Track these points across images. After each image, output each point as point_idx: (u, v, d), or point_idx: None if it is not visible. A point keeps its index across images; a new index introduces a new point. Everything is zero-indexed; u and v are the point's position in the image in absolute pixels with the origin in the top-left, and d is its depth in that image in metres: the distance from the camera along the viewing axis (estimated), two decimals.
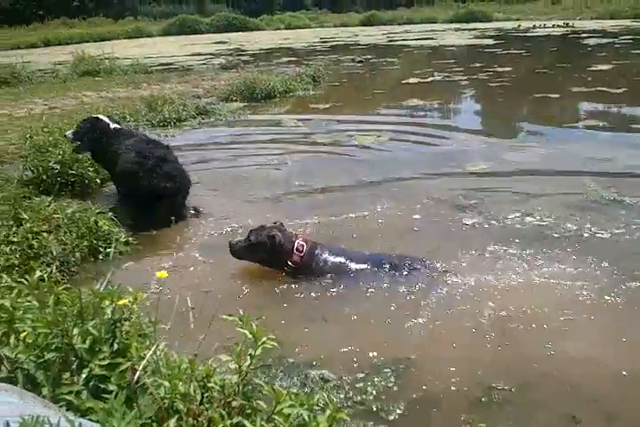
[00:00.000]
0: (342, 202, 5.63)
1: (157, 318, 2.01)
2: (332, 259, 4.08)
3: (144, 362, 1.92)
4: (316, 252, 4.09)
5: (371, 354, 3.04)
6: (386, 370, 2.90)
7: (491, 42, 24.40)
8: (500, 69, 14.88)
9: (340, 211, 5.30)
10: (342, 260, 4.09)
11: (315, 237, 4.54)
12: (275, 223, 4.20)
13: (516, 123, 8.75)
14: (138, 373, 1.86)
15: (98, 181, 6.23)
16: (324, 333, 3.33)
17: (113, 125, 5.70)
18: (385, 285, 3.83)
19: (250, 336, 1.96)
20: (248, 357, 2.01)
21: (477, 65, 16.15)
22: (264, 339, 1.94)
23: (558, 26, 32.74)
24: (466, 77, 13.76)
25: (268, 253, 4.02)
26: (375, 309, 3.56)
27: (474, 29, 33.65)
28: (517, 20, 41.68)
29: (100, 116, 5.85)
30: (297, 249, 4.01)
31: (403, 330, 3.29)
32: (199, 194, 5.78)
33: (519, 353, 3.03)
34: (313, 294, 3.76)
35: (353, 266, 4.05)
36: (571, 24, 32.60)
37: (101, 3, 60.96)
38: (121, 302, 1.96)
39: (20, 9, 58.05)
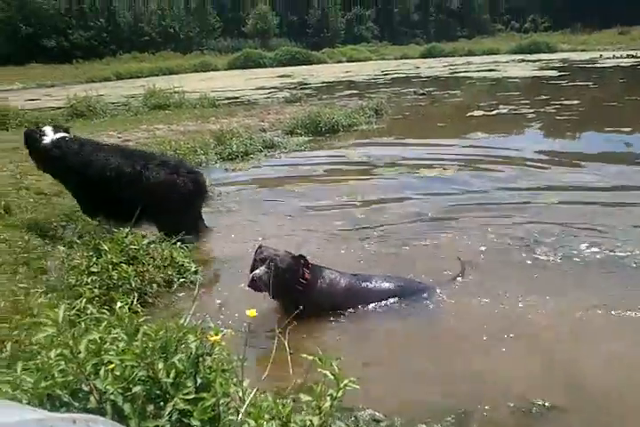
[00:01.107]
0: (406, 232, 5.64)
1: (243, 355, 2.04)
2: (332, 277, 4.11)
3: (228, 399, 1.96)
4: (315, 270, 4.08)
5: (420, 392, 3.00)
6: (445, 416, 2.85)
7: (555, 73, 24.10)
8: (567, 102, 14.63)
9: (403, 241, 5.35)
10: (345, 280, 4.13)
11: (376, 266, 4.63)
12: (259, 247, 4.00)
13: (586, 157, 8.53)
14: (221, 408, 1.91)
15: None
16: (368, 372, 3.28)
17: None
18: (411, 314, 3.83)
19: (331, 377, 1.97)
20: (328, 397, 2.03)
21: (543, 97, 15.96)
22: (346, 381, 1.95)
23: (627, 56, 32.02)
24: (532, 110, 13.59)
25: (289, 277, 3.86)
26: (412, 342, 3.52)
27: (538, 61, 33.35)
28: (583, 50, 41.03)
29: None
30: (304, 265, 3.99)
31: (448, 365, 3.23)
32: (265, 224, 5.91)
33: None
34: (351, 336, 3.74)
35: (357, 286, 4.12)
36: None
37: (170, 38, 63.76)
38: (213, 339, 2.00)
39: (95, 44, 61.40)
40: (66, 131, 5.91)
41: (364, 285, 4.18)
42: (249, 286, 3.80)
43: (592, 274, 4.45)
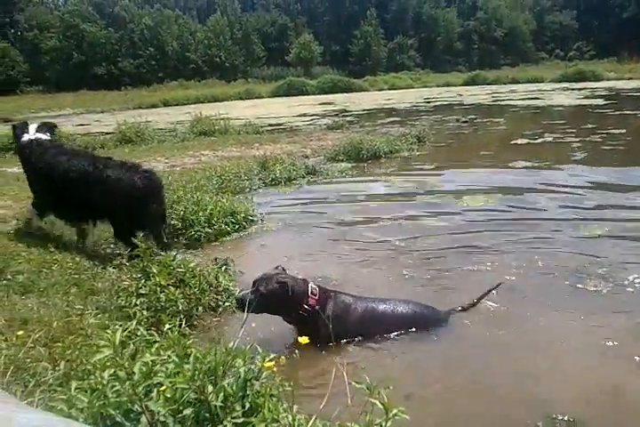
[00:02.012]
0: (445, 260, 5.64)
1: (293, 382, 2.06)
2: (346, 302, 4.04)
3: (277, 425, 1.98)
4: (328, 296, 4.02)
5: None
6: None
7: (602, 102, 23.76)
8: (613, 131, 14.39)
9: (440, 268, 5.36)
10: (359, 304, 4.06)
11: (410, 292, 4.62)
12: (276, 268, 4.07)
13: (634, 188, 8.33)
14: None
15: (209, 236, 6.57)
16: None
17: None
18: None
19: (380, 406, 1.97)
20: None
21: (589, 126, 15.74)
22: (395, 411, 1.94)
23: None
24: (578, 139, 13.38)
25: (280, 301, 3.83)
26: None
27: (583, 89, 32.97)
28: (630, 79, 40.43)
29: None
30: (312, 292, 3.94)
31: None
32: (311, 253, 5.96)
33: None
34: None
35: (372, 311, 4.05)
36: None
37: (215, 66, 65.51)
38: (267, 365, 2.02)
39: (143, 72, 63.52)
40: (50, 130, 6.21)
41: (382, 311, 4.09)
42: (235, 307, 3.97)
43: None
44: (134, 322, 2.97)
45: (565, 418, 2.98)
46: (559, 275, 5.03)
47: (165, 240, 5.91)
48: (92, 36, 63.11)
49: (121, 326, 3.01)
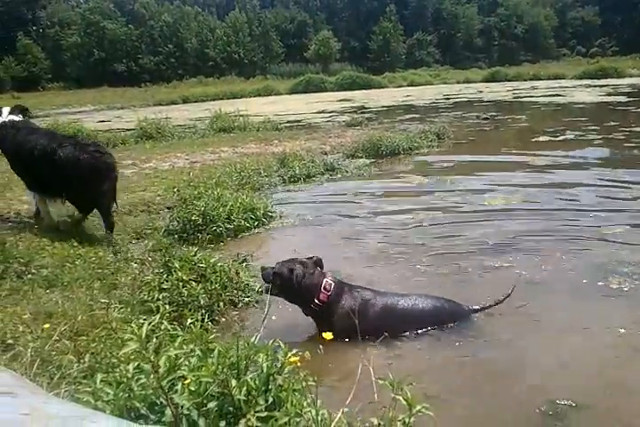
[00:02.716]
0: (467, 257, 5.60)
1: (317, 376, 2.06)
2: (364, 298, 3.99)
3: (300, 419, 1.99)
4: (345, 292, 3.99)
5: None
6: None
7: (624, 99, 23.46)
8: (637, 129, 14.20)
9: (461, 266, 5.35)
10: (379, 300, 4.02)
11: (442, 287, 4.58)
12: (311, 258, 4.09)
13: None
14: None
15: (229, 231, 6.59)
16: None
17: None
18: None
19: (404, 402, 1.97)
20: (399, 423, 2.02)
21: (612, 124, 15.54)
22: (419, 407, 1.94)
23: None
24: (600, 137, 13.23)
25: (288, 287, 3.90)
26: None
27: (605, 86, 32.56)
28: None
29: None
30: (324, 288, 3.92)
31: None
32: (329, 248, 5.97)
33: None
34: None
35: (392, 306, 4.00)
36: None
37: (234, 63, 65.61)
38: (292, 360, 2.04)
39: (162, 69, 63.86)
40: (22, 112, 6.65)
41: (403, 306, 4.04)
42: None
43: None
44: (158, 316, 3.00)
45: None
46: (580, 273, 4.99)
47: (112, 220, 6.25)
48: (113, 33, 63.58)
49: (145, 319, 3.06)
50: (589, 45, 72.64)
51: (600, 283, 4.72)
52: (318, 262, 4.11)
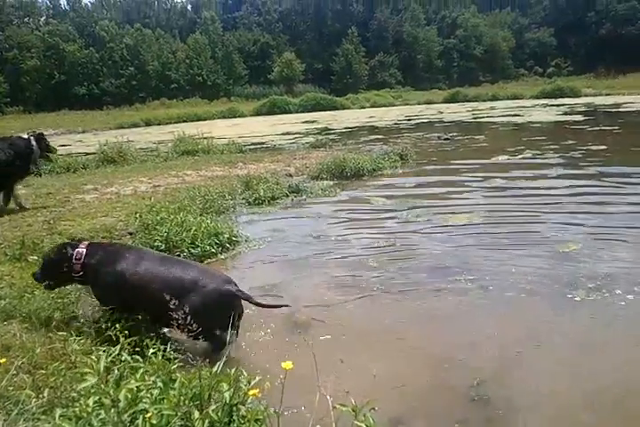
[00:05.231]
0: (427, 275, 5.68)
1: (279, 409, 2.06)
2: (121, 264, 4.01)
3: None
4: (99, 257, 4.05)
5: None
6: None
7: (580, 118, 24.19)
8: (593, 147, 14.63)
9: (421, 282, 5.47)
10: (138, 263, 4.02)
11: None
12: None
13: (614, 203, 8.47)
14: None
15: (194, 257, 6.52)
16: None
17: None
18: None
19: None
20: None
21: (569, 142, 15.97)
22: None
23: None
24: (557, 155, 13.60)
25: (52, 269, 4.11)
26: None
27: (562, 105, 33.58)
28: (607, 95, 41.28)
29: None
30: (76, 257, 4.00)
31: None
32: (296, 272, 5.97)
33: None
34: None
35: (153, 271, 4.00)
36: None
37: (197, 85, 65.51)
38: (251, 393, 2.03)
39: (124, 92, 63.38)
40: None
41: (153, 264, 4.04)
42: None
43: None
44: (118, 347, 2.96)
45: None
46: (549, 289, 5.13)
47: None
48: (73, 56, 62.93)
49: (105, 351, 3.01)
50: (546, 65, 74.62)
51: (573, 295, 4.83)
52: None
